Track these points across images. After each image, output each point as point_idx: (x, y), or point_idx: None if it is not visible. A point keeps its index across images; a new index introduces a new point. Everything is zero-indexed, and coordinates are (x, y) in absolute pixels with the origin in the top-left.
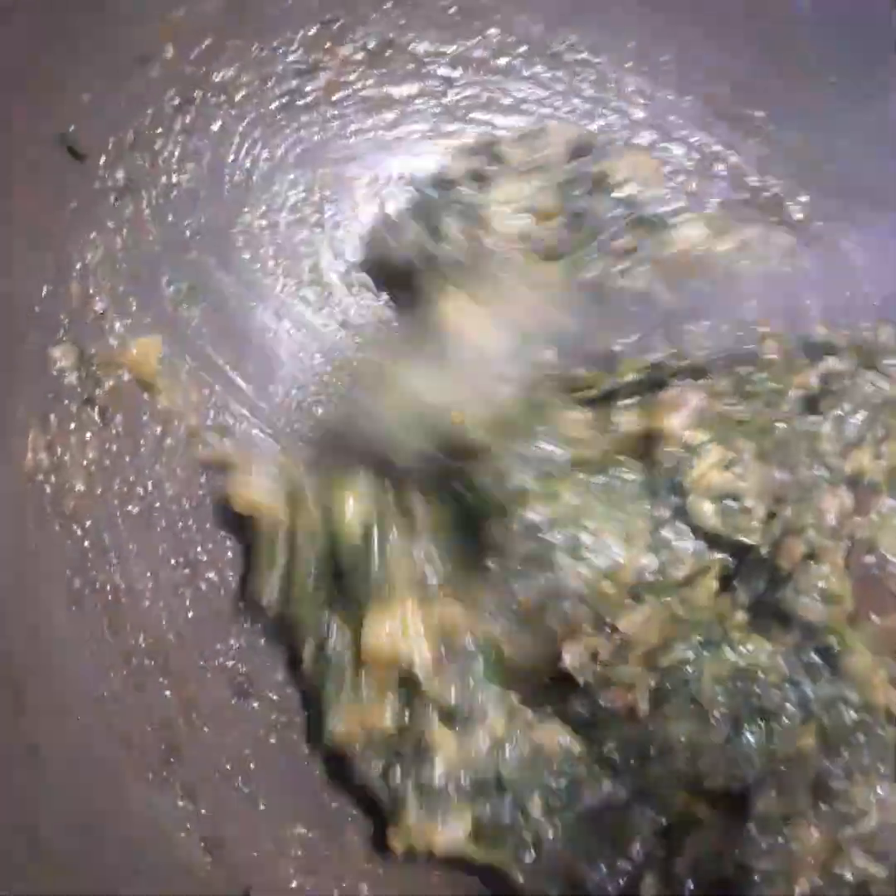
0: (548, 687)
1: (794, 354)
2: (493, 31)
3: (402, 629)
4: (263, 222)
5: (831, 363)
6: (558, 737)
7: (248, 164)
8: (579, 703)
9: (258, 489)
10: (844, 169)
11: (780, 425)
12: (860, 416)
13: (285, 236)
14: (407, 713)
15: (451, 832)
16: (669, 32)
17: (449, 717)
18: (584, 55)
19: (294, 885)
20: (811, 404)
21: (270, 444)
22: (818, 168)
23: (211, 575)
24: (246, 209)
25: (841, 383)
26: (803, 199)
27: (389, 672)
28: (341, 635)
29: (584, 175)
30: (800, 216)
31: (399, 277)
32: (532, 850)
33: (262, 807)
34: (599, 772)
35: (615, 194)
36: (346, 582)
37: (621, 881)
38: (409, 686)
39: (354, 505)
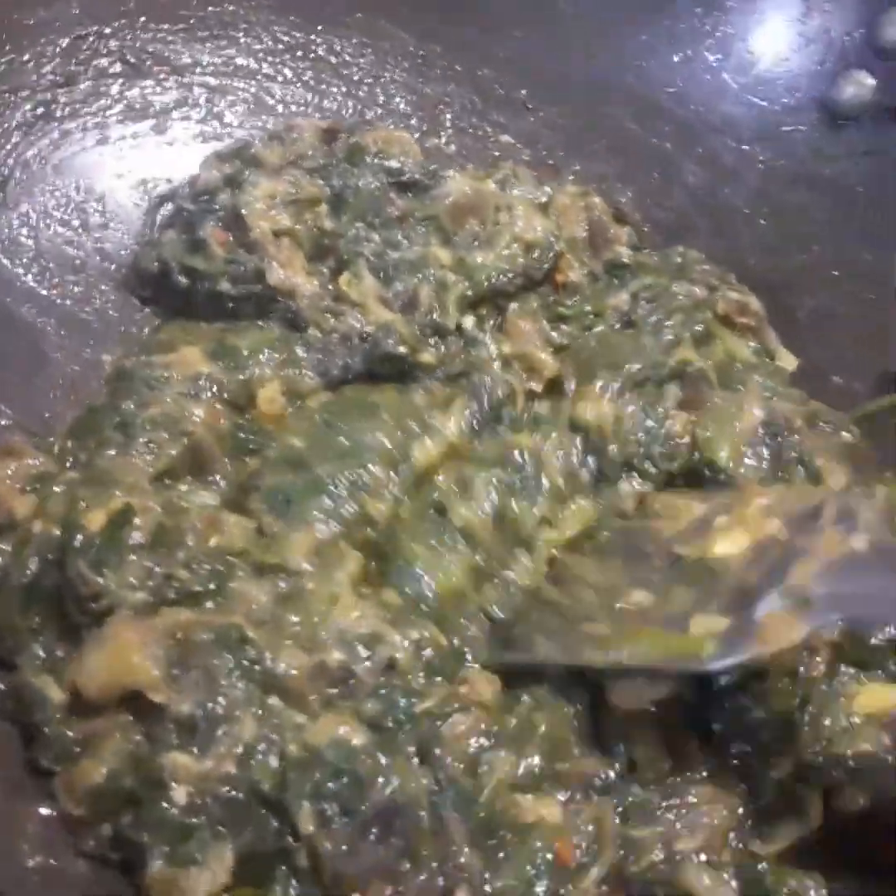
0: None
1: (602, 277)
2: (251, 39)
3: (119, 652)
4: (24, 228)
5: (643, 281)
6: (339, 728)
7: (4, 172)
8: None
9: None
10: (610, 133)
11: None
12: (676, 319)
13: (48, 239)
14: (144, 748)
15: (207, 877)
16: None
17: (189, 735)
18: (347, 55)
19: None
20: (628, 323)
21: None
22: (584, 136)
23: None
24: (3, 216)
25: (653, 294)
26: (576, 167)
27: (111, 708)
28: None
29: (339, 155)
30: (574, 180)
31: (164, 289)
32: (306, 879)
33: None
34: (389, 765)
35: (373, 163)
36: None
37: None
38: (142, 714)
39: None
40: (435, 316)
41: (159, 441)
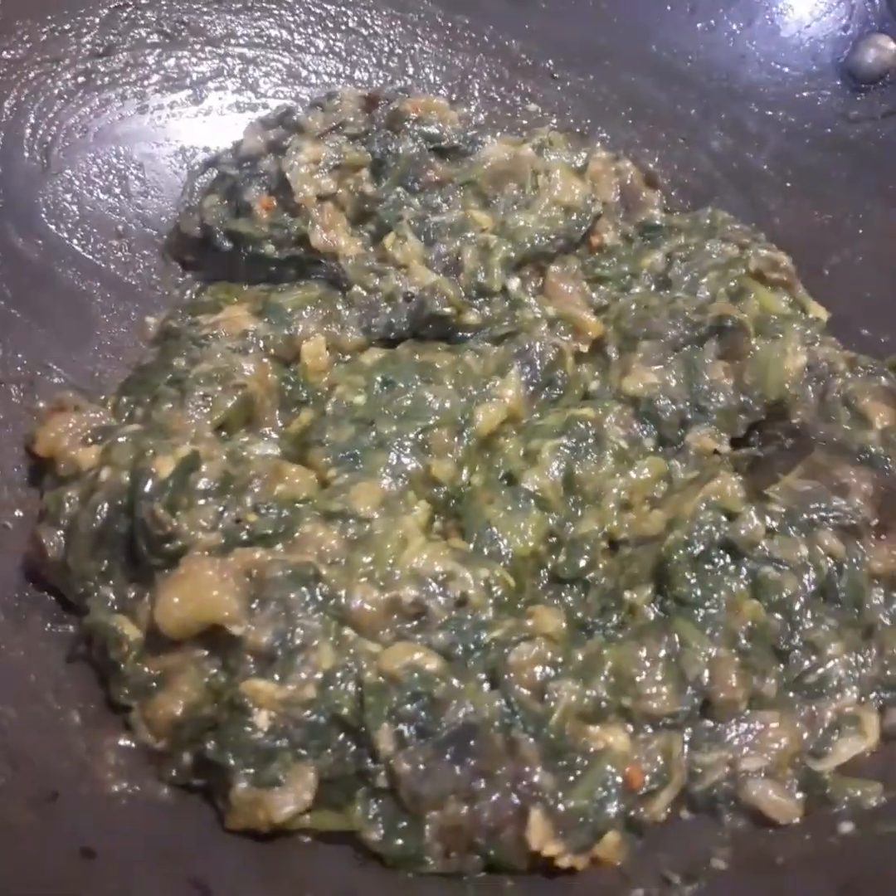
0: None
1: (635, 239)
2: (284, 11)
3: (197, 588)
4: (68, 195)
5: (675, 241)
6: (413, 655)
7: (48, 140)
8: None
9: (61, 433)
10: (635, 101)
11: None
12: (711, 276)
13: (91, 205)
14: (220, 679)
15: (291, 798)
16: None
17: (267, 664)
18: (377, 27)
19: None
20: (664, 282)
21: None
22: (610, 104)
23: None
24: (47, 182)
25: (687, 253)
26: (603, 134)
27: (187, 642)
28: (129, 618)
29: (380, 122)
30: (601, 148)
31: (206, 253)
32: (385, 798)
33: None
34: (461, 689)
35: (412, 130)
36: (137, 547)
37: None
38: (219, 647)
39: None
40: (480, 278)
41: (213, 394)
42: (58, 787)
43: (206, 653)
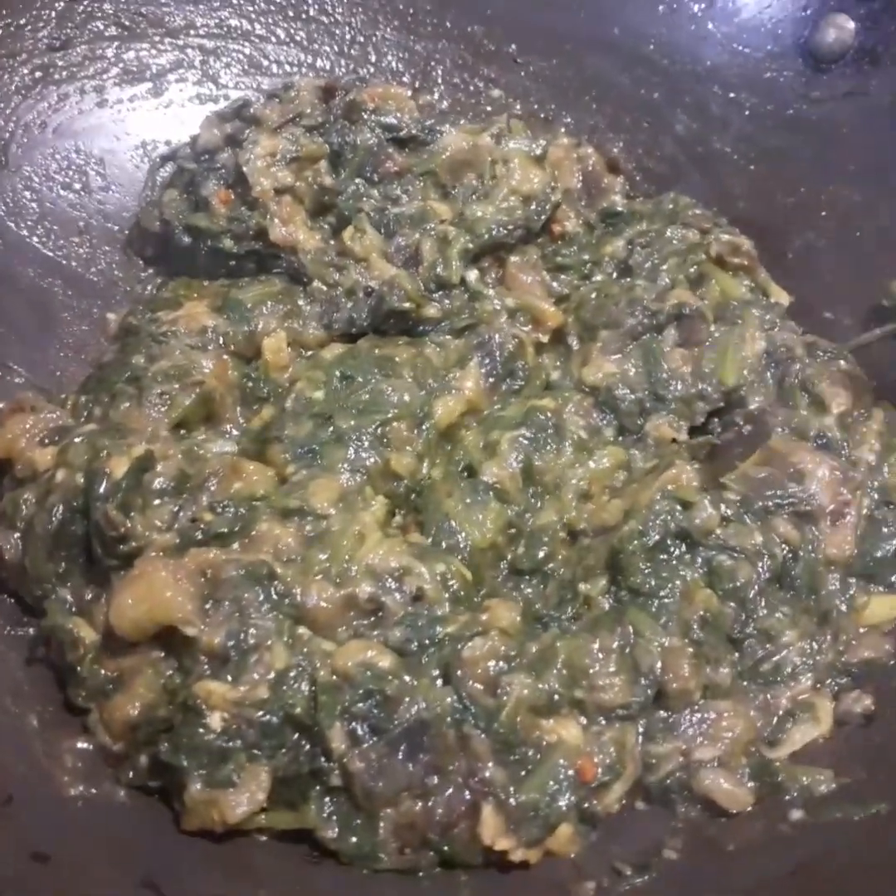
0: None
1: (597, 227)
2: (244, 0)
3: (151, 589)
4: (27, 192)
5: (637, 228)
6: (366, 652)
7: (5, 137)
8: None
9: (18, 435)
10: (599, 86)
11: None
12: (671, 263)
13: (51, 202)
14: (175, 680)
15: (245, 798)
16: None
17: (221, 664)
18: (339, 15)
19: None
20: (625, 269)
21: (48, 393)
22: (574, 89)
23: None
24: (6, 179)
25: (648, 240)
26: (567, 119)
27: (143, 644)
28: (86, 620)
29: (337, 113)
30: (565, 133)
31: (167, 248)
32: (339, 797)
33: None
34: (414, 686)
35: (370, 120)
36: (93, 549)
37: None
38: (174, 649)
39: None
40: (438, 270)
41: (171, 392)
42: (12, 791)
43: (162, 654)
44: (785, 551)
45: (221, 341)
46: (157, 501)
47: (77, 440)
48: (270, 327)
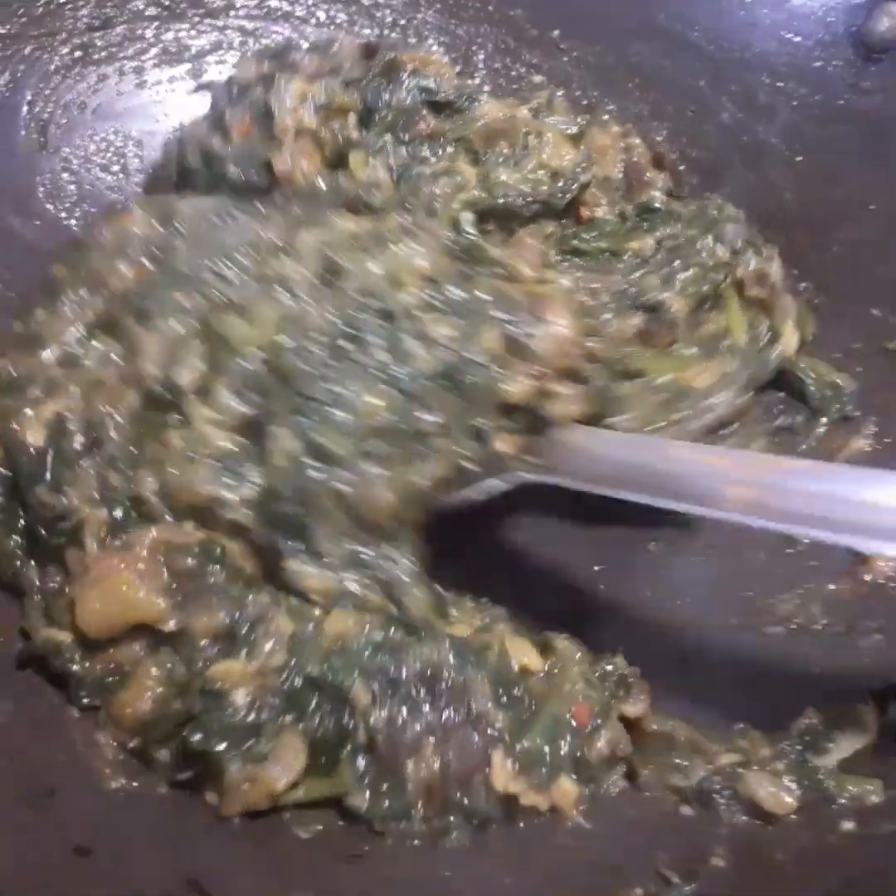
0: None
1: (631, 219)
2: None
3: (115, 594)
4: (65, 174)
5: (670, 230)
6: (347, 622)
7: (44, 117)
8: None
9: None
10: (643, 72)
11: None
12: (690, 274)
13: (90, 184)
14: (179, 670)
15: (284, 767)
16: None
17: (231, 643)
18: None
19: None
20: (642, 265)
21: None
22: (617, 76)
23: None
24: (45, 161)
25: (676, 244)
26: (611, 106)
27: (121, 640)
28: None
29: (375, 70)
30: (608, 120)
31: (182, 177)
32: (367, 758)
33: None
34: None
35: (408, 81)
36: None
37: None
38: (160, 638)
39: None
40: (435, 203)
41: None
42: (54, 784)
43: (147, 643)
44: None
45: (146, 248)
46: (81, 465)
47: None
48: None
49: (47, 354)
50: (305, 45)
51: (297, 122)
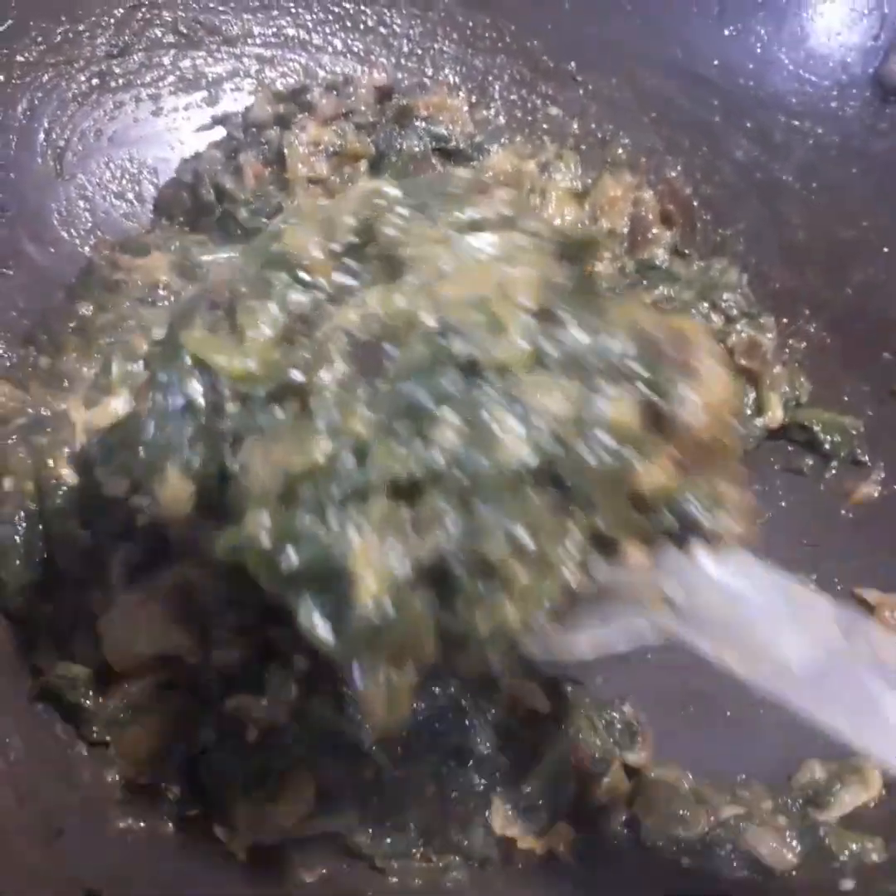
0: None
1: (631, 275)
2: (302, 9)
3: (142, 627)
4: (81, 201)
5: (667, 291)
6: None
7: (61, 144)
8: None
9: None
10: (658, 106)
11: None
12: None
13: (105, 211)
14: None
15: (295, 803)
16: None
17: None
18: (396, 26)
19: None
20: None
21: None
22: (632, 109)
23: None
24: (60, 187)
25: (672, 308)
26: (625, 140)
27: (148, 675)
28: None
29: (388, 115)
30: (623, 154)
31: (193, 203)
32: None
33: None
34: None
35: (419, 127)
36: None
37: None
38: (176, 672)
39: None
40: None
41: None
42: (63, 824)
43: (161, 678)
44: None
45: (172, 299)
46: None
47: (11, 441)
48: None
49: (77, 399)
50: (322, 80)
51: (310, 169)
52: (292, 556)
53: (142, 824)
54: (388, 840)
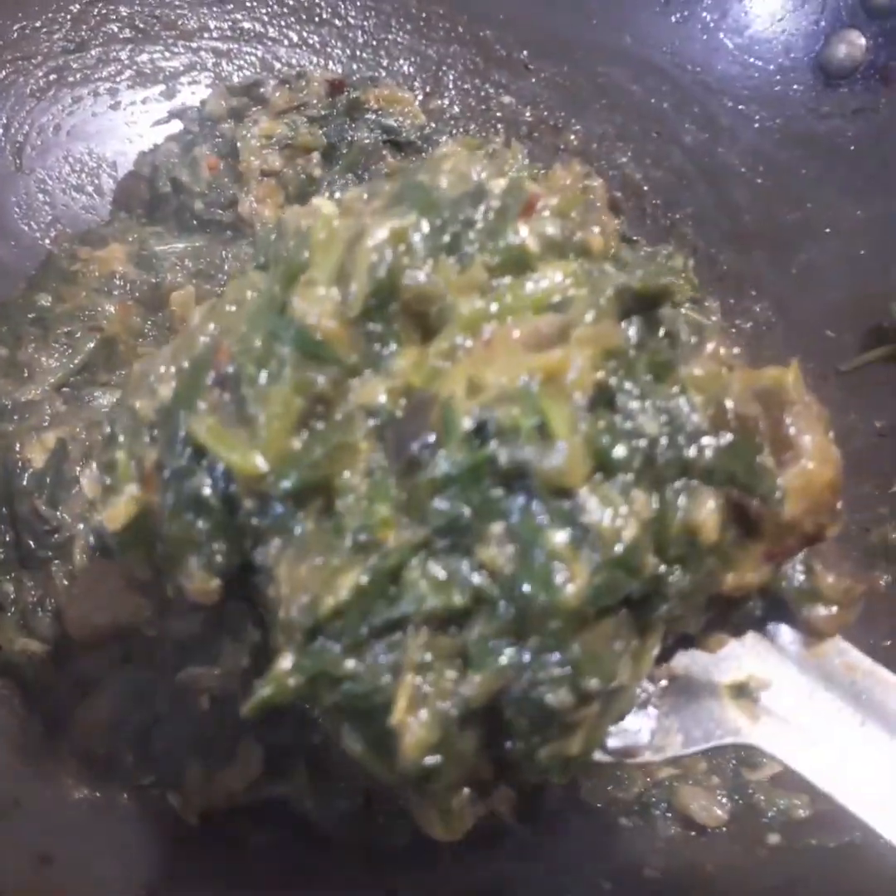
0: None
1: None
2: (257, 3)
3: (102, 598)
4: (40, 194)
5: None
6: None
7: (20, 139)
8: None
9: None
10: (609, 93)
11: None
12: None
13: (65, 204)
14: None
15: (243, 771)
16: None
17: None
18: (351, 18)
19: None
20: None
21: None
22: (584, 97)
23: None
24: (20, 182)
25: None
26: (577, 127)
27: (102, 645)
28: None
29: (341, 108)
30: (575, 141)
31: (150, 195)
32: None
33: None
34: None
35: (370, 120)
36: (24, 540)
37: None
38: (133, 645)
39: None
40: None
41: (74, 335)
42: (19, 795)
43: (118, 652)
44: None
45: (128, 288)
46: (75, 489)
47: None
48: (177, 282)
49: (39, 390)
50: (278, 73)
51: (262, 162)
52: (327, 698)
53: (97, 794)
54: (335, 803)
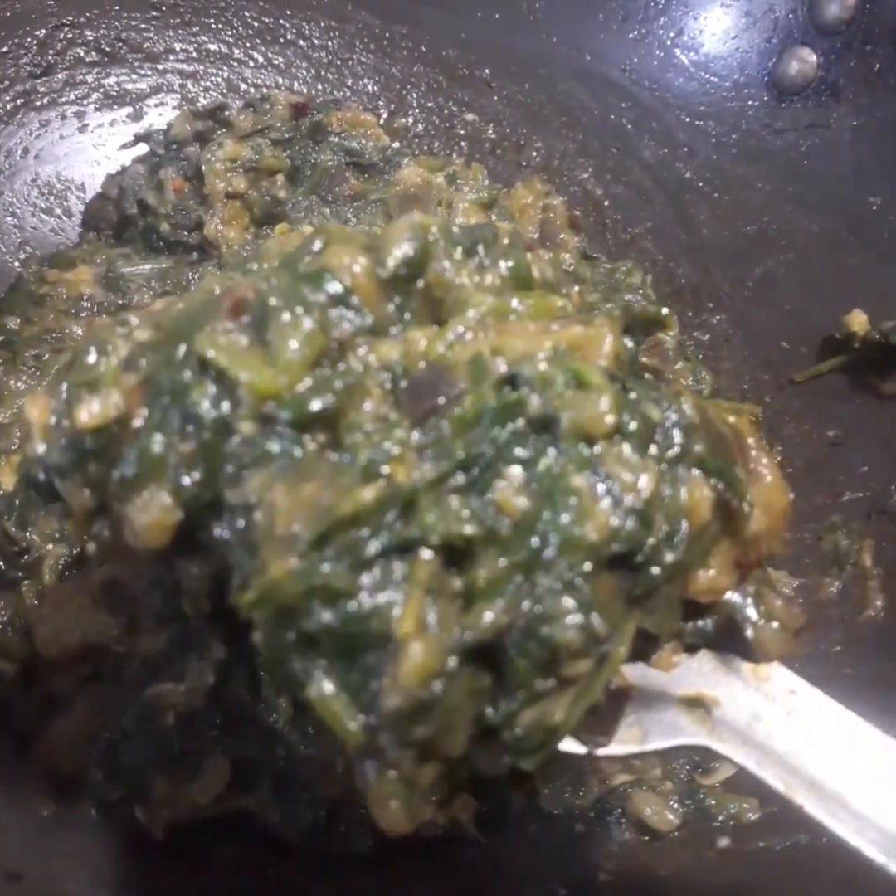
0: None
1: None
2: (222, 24)
3: (71, 618)
4: (9, 218)
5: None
6: None
7: None
8: None
9: None
10: (570, 110)
11: None
12: None
13: (33, 227)
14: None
15: (209, 785)
16: (404, 13)
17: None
18: (315, 38)
19: None
20: None
21: None
22: (545, 114)
23: None
24: None
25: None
26: (538, 143)
27: (71, 664)
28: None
29: (304, 130)
30: (537, 157)
31: (118, 217)
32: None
33: None
34: None
35: (333, 142)
36: None
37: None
38: (102, 661)
39: None
40: None
41: (43, 357)
42: None
43: (86, 670)
44: None
45: (96, 310)
46: (43, 511)
47: None
48: (144, 302)
49: (7, 414)
50: (243, 94)
51: (227, 184)
52: (322, 616)
53: (65, 810)
54: (297, 820)
